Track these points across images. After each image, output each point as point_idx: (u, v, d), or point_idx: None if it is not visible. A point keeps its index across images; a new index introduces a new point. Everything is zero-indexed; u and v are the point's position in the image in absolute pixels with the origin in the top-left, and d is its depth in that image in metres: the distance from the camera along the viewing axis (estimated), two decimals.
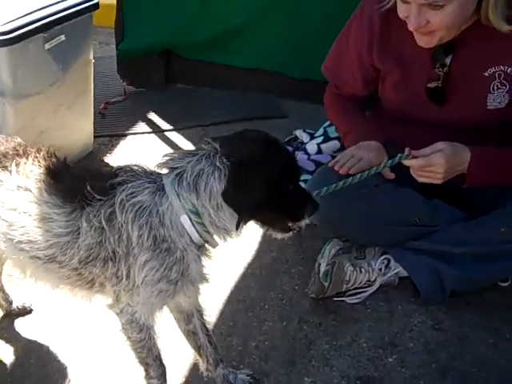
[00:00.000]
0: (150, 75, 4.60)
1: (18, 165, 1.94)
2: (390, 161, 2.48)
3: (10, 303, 2.65)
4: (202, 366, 2.31)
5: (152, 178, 1.89)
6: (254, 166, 1.76)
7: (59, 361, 2.47)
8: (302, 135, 3.85)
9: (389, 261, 2.78)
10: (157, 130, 4.15)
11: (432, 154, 2.45)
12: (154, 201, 1.84)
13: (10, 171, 1.93)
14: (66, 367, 2.45)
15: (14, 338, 2.57)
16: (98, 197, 1.85)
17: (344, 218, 2.73)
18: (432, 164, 2.45)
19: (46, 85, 3.32)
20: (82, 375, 2.41)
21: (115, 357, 2.47)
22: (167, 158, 1.89)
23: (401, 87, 2.70)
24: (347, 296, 2.77)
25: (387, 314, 2.69)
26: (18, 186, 1.92)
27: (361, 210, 2.69)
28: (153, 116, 4.31)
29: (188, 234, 1.86)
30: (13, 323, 2.64)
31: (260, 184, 1.76)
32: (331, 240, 2.80)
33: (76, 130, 3.70)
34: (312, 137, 3.78)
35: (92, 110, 3.80)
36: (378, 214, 2.72)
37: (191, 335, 2.25)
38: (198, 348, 2.27)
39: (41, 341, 2.56)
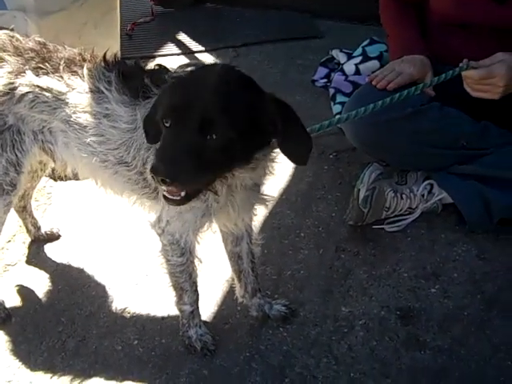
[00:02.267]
0: None
1: (89, 69, 1.92)
2: (443, 75, 2.26)
3: (39, 228, 2.59)
4: (239, 292, 2.24)
5: None
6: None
7: (88, 287, 2.42)
8: (339, 55, 3.65)
9: (432, 186, 2.62)
10: (186, 52, 3.98)
11: (492, 65, 2.26)
12: None
13: (82, 75, 1.92)
14: (94, 294, 2.39)
15: (42, 264, 2.52)
16: (154, 90, 1.80)
17: (385, 140, 2.56)
18: (493, 75, 2.28)
19: (69, 1, 3.14)
20: (110, 302, 2.35)
21: (146, 282, 2.41)
22: None
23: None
24: (386, 224, 2.63)
25: (429, 242, 2.55)
26: (90, 89, 1.91)
27: (404, 132, 2.52)
28: (182, 37, 4.13)
29: None
30: (41, 249, 2.58)
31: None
32: (371, 164, 2.63)
33: (102, 50, 3.52)
34: (350, 57, 3.58)
35: (118, 30, 3.62)
36: (422, 136, 2.54)
37: (235, 258, 2.18)
38: (239, 272, 2.20)
39: (69, 267, 2.51)
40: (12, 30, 2.12)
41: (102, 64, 1.94)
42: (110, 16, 3.48)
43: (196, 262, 2.04)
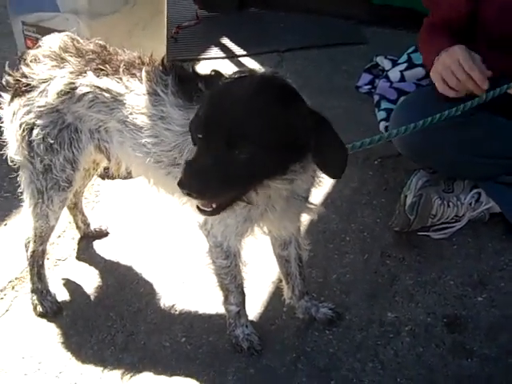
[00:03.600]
0: None
1: (147, 72, 1.96)
2: (497, 89, 2.25)
3: (88, 225, 2.65)
4: (287, 294, 2.26)
5: None
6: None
7: (136, 284, 2.46)
8: (384, 62, 3.66)
9: (479, 195, 2.61)
10: (230, 55, 4.02)
11: None
12: None
13: (140, 78, 1.96)
14: (142, 291, 2.43)
15: (91, 260, 2.57)
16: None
17: (433, 149, 2.55)
18: None
19: (121, 3, 3.20)
20: (158, 299, 2.39)
21: (193, 280, 2.44)
22: None
23: (508, 6, 2.44)
24: (432, 231, 2.62)
25: (476, 251, 2.54)
26: (147, 91, 1.95)
27: (452, 141, 2.51)
28: (226, 41, 4.17)
29: None
30: (90, 245, 2.63)
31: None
32: (418, 171, 2.63)
33: (149, 51, 3.58)
34: (394, 63, 3.59)
35: (165, 32, 3.67)
36: (470, 145, 2.52)
37: (283, 261, 2.20)
38: (286, 275, 2.22)
39: (117, 264, 2.55)
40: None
41: (160, 68, 1.97)
42: (157, 18, 3.54)
43: (242, 264, 2.07)
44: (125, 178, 2.73)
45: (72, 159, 2.10)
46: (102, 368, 2.13)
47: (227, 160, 1.54)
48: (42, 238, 2.25)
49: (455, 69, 2.33)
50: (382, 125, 3.24)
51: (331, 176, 1.73)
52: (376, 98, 3.45)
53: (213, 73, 1.92)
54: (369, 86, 3.63)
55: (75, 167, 2.13)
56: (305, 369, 2.11)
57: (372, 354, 2.15)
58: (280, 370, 2.11)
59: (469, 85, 2.32)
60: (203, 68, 2.29)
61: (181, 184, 1.55)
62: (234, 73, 1.82)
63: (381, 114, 3.32)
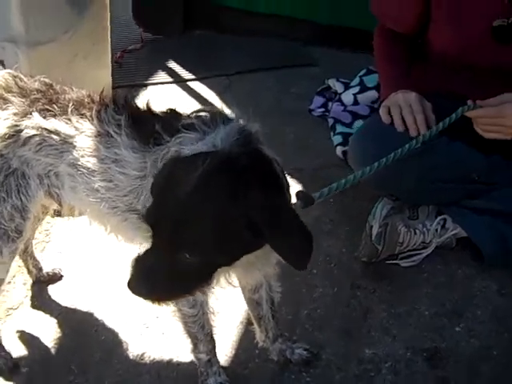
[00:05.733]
0: (167, 21, 4.29)
1: (98, 111, 1.82)
2: (453, 114, 2.22)
3: (40, 269, 2.46)
4: (260, 337, 2.15)
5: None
6: None
7: (95, 331, 2.29)
8: (336, 85, 3.61)
9: (445, 221, 2.57)
10: (178, 80, 3.89)
11: (501, 105, 2.23)
12: None
13: (90, 118, 1.83)
14: (103, 338, 2.27)
15: (46, 307, 2.38)
16: (166, 138, 1.70)
17: (394, 179, 2.48)
18: (502, 115, 2.23)
19: (60, 32, 3.02)
20: (121, 346, 2.24)
21: (158, 325, 2.30)
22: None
23: (458, 23, 2.45)
24: (400, 259, 2.56)
25: (446, 278, 2.49)
26: (99, 132, 1.81)
27: (413, 169, 2.45)
28: (173, 64, 4.04)
29: None
30: (44, 290, 2.45)
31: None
32: (381, 199, 2.57)
33: (93, 80, 3.39)
34: (347, 86, 3.54)
35: (110, 59, 3.51)
36: (431, 172, 2.48)
37: (254, 304, 2.07)
38: (258, 318, 2.10)
39: (74, 309, 2.38)
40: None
41: (112, 106, 1.84)
42: (100, 46, 3.37)
43: (210, 313, 1.96)
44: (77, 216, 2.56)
45: (21, 207, 1.93)
46: None
47: (175, 261, 1.44)
48: None
49: (403, 106, 2.41)
50: (339, 149, 3.19)
51: (296, 267, 1.52)
52: (331, 121, 3.39)
53: (169, 111, 1.81)
54: (322, 109, 3.58)
55: (25, 216, 1.95)
56: None
57: None
58: None
59: (410, 123, 2.39)
60: (151, 94, 2.17)
61: (129, 286, 1.48)
62: (192, 112, 1.73)
63: (337, 139, 3.26)
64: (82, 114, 1.85)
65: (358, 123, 3.22)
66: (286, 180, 1.64)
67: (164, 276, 1.46)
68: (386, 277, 2.51)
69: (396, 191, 2.62)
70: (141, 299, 1.51)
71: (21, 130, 1.85)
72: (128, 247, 2.34)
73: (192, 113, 1.74)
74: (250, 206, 1.40)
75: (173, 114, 1.80)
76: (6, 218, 1.93)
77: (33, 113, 1.85)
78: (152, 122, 1.76)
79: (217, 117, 1.67)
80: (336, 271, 2.55)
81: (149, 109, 1.84)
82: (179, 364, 2.16)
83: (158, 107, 1.85)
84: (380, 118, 2.51)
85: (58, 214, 2.64)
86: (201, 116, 1.70)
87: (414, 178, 2.49)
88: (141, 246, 1.91)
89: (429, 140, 2.16)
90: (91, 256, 2.61)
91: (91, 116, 1.83)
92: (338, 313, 2.36)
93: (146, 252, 1.49)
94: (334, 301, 2.40)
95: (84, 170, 1.84)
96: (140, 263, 1.48)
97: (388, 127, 2.46)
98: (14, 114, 1.86)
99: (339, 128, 3.32)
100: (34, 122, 1.85)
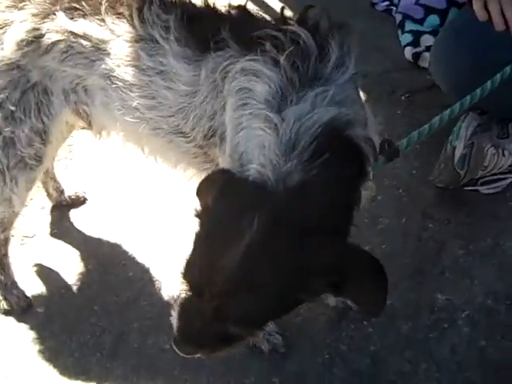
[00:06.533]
0: None
1: (139, 9, 1.56)
2: None
3: (61, 192, 2.25)
4: None
5: None
6: None
7: (123, 266, 2.09)
8: None
9: None
10: None
11: None
12: None
13: (129, 18, 1.58)
14: (131, 274, 2.06)
15: (66, 237, 2.19)
16: (232, 45, 1.43)
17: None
18: None
19: None
20: (152, 284, 2.03)
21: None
22: None
23: None
24: (481, 184, 2.21)
25: None
26: (140, 36, 1.56)
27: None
28: None
29: None
30: (65, 217, 2.23)
31: None
32: (466, 114, 2.19)
33: None
34: None
35: None
36: None
37: None
38: None
39: (99, 240, 2.17)
40: None
41: (158, 2, 1.55)
42: None
43: None
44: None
45: (41, 130, 1.71)
46: (85, 382, 1.80)
47: (219, 328, 1.29)
48: (3, 224, 1.87)
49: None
50: (409, 51, 2.78)
51: (369, 315, 1.49)
52: (398, 17, 2.96)
53: (240, 10, 1.49)
54: (386, 3, 3.13)
55: (46, 140, 1.74)
56: (341, 374, 1.77)
57: (424, 351, 1.79)
58: (310, 376, 1.78)
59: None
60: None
61: (175, 344, 1.37)
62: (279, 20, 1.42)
63: (406, 38, 2.85)
64: (119, 14, 1.59)
65: (433, 20, 2.82)
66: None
67: (210, 340, 1.32)
68: (464, 206, 2.18)
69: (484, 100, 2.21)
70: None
71: (42, 35, 1.61)
72: (163, 169, 2.09)
73: (277, 21, 1.42)
74: (322, 256, 1.21)
75: (246, 14, 1.49)
76: (23, 142, 1.72)
77: (56, 13, 1.59)
78: (215, 24, 1.47)
79: (311, 52, 1.36)
80: (404, 198, 2.22)
81: (208, 5, 1.54)
82: None
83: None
84: (471, 14, 2.05)
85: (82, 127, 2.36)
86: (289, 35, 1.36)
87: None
88: (185, 174, 1.72)
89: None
90: (120, 177, 2.35)
91: (130, 15, 1.57)
92: (406, 249, 2.06)
93: (189, 312, 1.33)
94: (401, 234, 2.10)
95: (120, 84, 1.60)
96: (183, 323, 1.35)
97: (483, 26, 2.01)
98: (33, 15, 1.60)
99: (409, 25, 2.90)
100: (59, 25, 1.59)
